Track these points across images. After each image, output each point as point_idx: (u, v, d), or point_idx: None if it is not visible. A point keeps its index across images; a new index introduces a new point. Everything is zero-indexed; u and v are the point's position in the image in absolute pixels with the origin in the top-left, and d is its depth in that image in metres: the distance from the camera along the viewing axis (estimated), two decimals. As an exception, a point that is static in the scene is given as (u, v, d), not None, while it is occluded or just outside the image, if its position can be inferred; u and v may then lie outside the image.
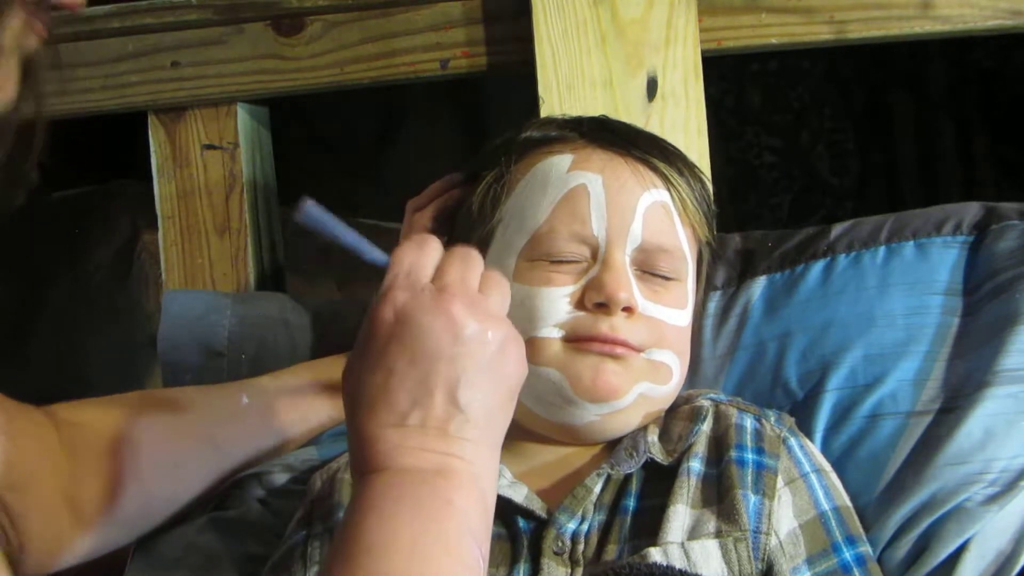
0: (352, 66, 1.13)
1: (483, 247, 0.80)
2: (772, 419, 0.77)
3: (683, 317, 0.79)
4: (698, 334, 0.90)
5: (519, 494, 0.72)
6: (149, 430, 0.78)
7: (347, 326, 0.90)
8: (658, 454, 0.75)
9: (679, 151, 0.85)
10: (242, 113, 1.16)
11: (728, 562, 0.69)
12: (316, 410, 0.86)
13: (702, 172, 0.86)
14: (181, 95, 1.14)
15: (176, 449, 0.80)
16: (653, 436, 0.76)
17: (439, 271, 0.59)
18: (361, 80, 1.14)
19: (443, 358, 0.55)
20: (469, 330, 0.56)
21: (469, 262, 0.61)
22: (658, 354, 0.77)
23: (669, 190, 0.79)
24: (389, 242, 1.08)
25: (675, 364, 0.78)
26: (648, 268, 0.78)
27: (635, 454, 0.74)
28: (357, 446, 0.56)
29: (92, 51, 1.15)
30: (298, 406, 0.85)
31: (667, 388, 0.78)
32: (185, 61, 1.14)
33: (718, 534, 0.69)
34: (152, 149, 1.15)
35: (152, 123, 1.16)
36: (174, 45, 1.14)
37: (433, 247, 0.61)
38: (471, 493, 0.55)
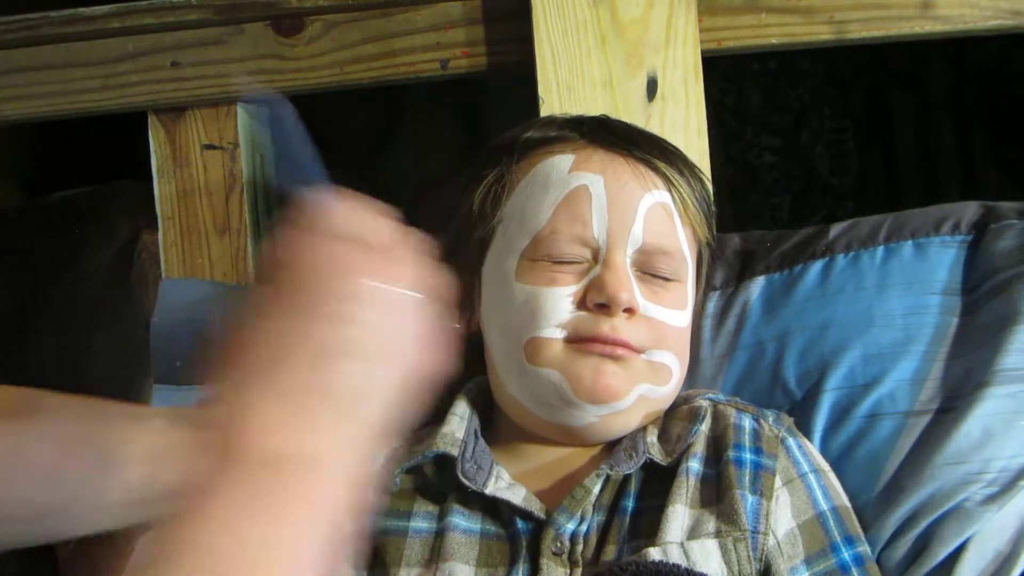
0: (352, 66, 1.13)
1: (483, 246, 0.81)
2: (770, 419, 0.78)
3: (683, 318, 0.79)
4: (697, 334, 0.90)
5: (517, 495, 0.72)
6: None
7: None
8: (657, 455, 0.75)
9: (679, 151, 0.85)
10: (242, 113, 1.16)
11: (728, 562, 0.69)
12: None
13: (702, 172, 0.86)
14: (181, 95, 1.14)
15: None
16: (652, 437, 0.76)
17: (362, 228, 0.50)
18: (361, 80, 1.14)
19: (353, 333, 0.47)
20: (380, 303, 0.48)
21: (397, 230, 0.52)
22: (658, 355, 0.77)
23: (670, 191, 0.79)
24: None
25: (675, 365, 0.78)
26: (648, 269, 0.78)
27: (634, 455, 0.74)
28: (225, 413, 0.46)
29: (92, 51, 1.15)
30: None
31: (666, 389, 0.78)
32: (185, 61, 1.14)
33: (718, 534, 0.70)
34: (152, 149, 1.15)
35: (152, 123, 1.16)
36: (174, 45, 1.14)
37: (367, 207, 0.52)
38: (333, 489, 0.46)
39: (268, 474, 0.44)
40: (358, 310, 0.47)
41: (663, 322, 0.77)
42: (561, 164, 0.79)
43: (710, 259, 0.87)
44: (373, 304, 0.48)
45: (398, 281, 0.49)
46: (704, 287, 0.90)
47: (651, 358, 0.76)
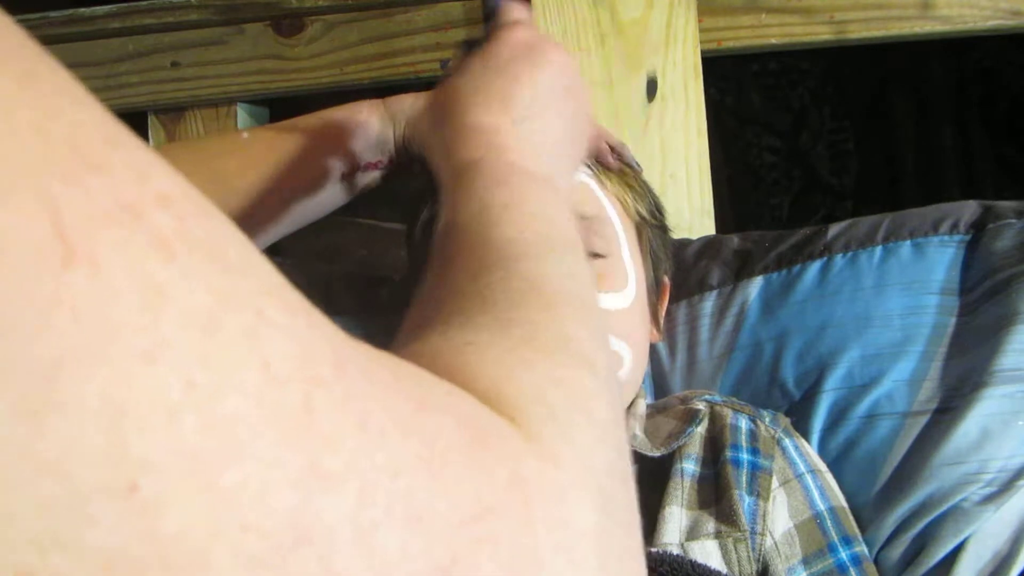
0: (352, 66, 1.13)
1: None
2: (767, 420, 0.78)
3: (621, 299, 0.77)
4: (695, 334, 0.90)
5: None
6: None
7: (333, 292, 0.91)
8: (643, 447, 0.74)
9: None
10: (242, 113, 1.16)
11: (728, 562, 0.69)
12: (321, 145, 0.81)
13: (630, 156, 0.86)
14: (181, 95, 1.15)
15: None
16: (635, 430, 0.76)
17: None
18: (361, 80, 1.14)
19: (559, 91, 0.58)
20: (578, 79, 0.60)
21: None
22: None
23: (588, 170, 0.80)
24: (389, 242, 1.09)
25: (622, 348, 0.76)
26: None
27: None
28: (469, 134, 0.55)
29: (92, 51, 1.15)
30: (302, 138, 0.80)
31: (619, 376, 0.76)
32: (185, 61, 1.14)
33: (717, 535, 0.70)
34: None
35: (152, 123, 1.16)
36: (174, 45, 1.14)
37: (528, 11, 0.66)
38: (568, 208, 0.54)
39: (528, 178, 0.51)
40: (580, 97, 0.60)
41: None
42: None
43: (662, 243, 0.85)
44: (585, 98, 0.61)
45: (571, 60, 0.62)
46: (701, 286, 0.90)
47: None
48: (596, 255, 0.77)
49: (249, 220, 0.76)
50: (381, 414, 0.27)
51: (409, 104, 0.82)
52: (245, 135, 0.80)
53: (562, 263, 0.44)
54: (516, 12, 0.64)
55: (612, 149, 0.81)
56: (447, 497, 0.27)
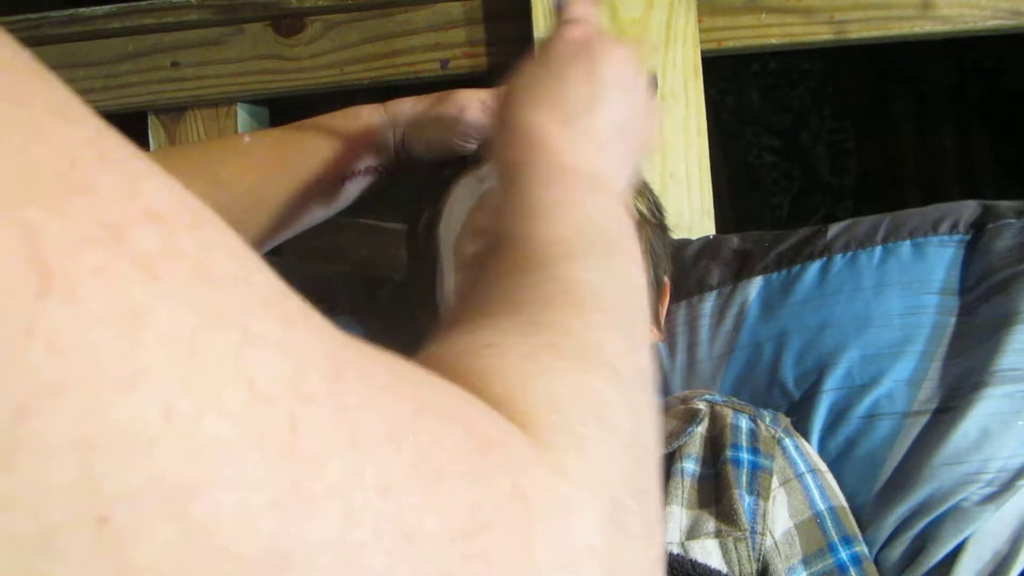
0: (352, 66, 1.13)
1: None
2: (767, 419, 0.78)
3: None
4: (694, 334, 0.90)
5: None
6: None
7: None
8: None
9: None
10: (242, 113, 1.16)
11: (728, 562, 0.69)
12: (322, 148, 0.82)
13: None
14: (181, 95, 1.15)
15: None
16: None
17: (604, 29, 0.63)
18: (361, 80, 1.14)
19: (615, 90, 0.57)
20: (638, 83, 0.60)
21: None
22: None
23: None
24: (389, 242, 1.09)
25: None
26: None
27: None
28: (519, 135, 0.54)
29: (92, 51, 1.15)
30: (302, 142, 0.81)
31: None
32: (185, 61, 1.14)
33: (718, 534, 0.70)
34: (152, 149, 1.15)
35: (152, 123, 1.16)
36: (174, 45, 1.14)
37: (598, 7, 0.65)
38: (624, 211, 0.53)
39: (576, 178, 0.51)
40: (635, 96, 0.59)
41: None
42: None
43: (662, 242, 0.85)
44: (641, 94, 0.60)
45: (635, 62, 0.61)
46: (700, 286, 0.90)
47: None
48: None
49: (250, 224, 0.77)
50: (376, 423, 0.26)
51: (409, 106, 0.82)
52: (246, 139, 0.80)
53: (604, 266, 0.44)
54: (580, 7, 0.63)
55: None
56: (439, 512, 0.27)
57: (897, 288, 0.86)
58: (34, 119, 0.23)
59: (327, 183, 0.79)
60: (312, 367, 0.26)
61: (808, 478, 0.75)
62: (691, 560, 0.66)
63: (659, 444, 0.39)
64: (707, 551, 0.69)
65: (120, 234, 0.23)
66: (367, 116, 0.81)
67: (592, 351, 0.37)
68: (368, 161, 0.81)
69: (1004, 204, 0.89)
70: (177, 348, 0.23)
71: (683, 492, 0.72)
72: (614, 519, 0.32)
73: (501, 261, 0.44)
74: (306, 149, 0.79)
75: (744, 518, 0.70)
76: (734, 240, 0.96)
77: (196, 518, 0.22)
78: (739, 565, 0.69)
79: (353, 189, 0.82)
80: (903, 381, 0.82)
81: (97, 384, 0.21)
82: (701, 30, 1.07)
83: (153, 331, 0.22)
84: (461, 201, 0.80)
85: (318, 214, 0.81)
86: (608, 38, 0.60)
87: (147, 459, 0.22)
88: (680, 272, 0.92)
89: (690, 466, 0.74)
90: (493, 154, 0.56)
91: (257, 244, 0.79)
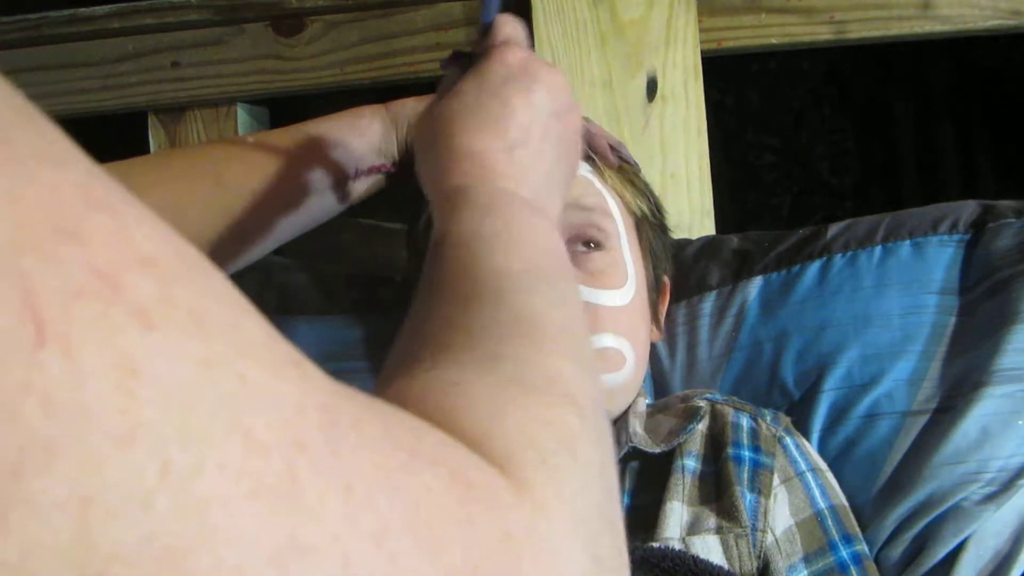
0: (352, 66, 1.13)
1: None
2: (768, 418, 0.78)
3: (620, 296, 0.77)
4: (694, 334, 0.90)
5: None
6: (153, 181, 0.75)
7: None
8: (643, 444, 0.74)
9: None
10: (242, 113, 1.16)
11: (729, 558, 0.69)
12: (325, 149, 0.81)
13: (630, 156, 0.86)
14: (181, 95, 1.15)
15: (178, 189, 0.75)
16: (636, 427, 0.76)
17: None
18: (361, 80, 1.14)
19: (551, 115, 0.57)
20: (570, 105, 0.59)
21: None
22: (598, 340, 0.75)
23: (588, 165, 0.80)
24: (388, 243, 1.08)
25: (624, 347, 0.76)
26: (572, 237, 0.76)
27: (617, 446, 0.73)
28: (460, 160, 0.54)
29: (92, 51, 1.15)
30: (305, 143, 0.80)
31: (623, 375, 0.76)
32: (185, 61, 1.14)
33: (718, 530, 0.70)
34: (152, 150, 1.15)
35: (152, 123, 1.16)
36: (174, 45, 1.14)
37: (524, 27, 0.65)
38: (559, 237, 0.53)
39: (519, 203, 0.51)
40: (570, 116, 0.59)
41: (596, 304, 0.75)
42: None
43: (662, 242, 0.85)
44: (575, 114, 0.60)
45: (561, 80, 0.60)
46: (700, 287, 0.90)
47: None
48: (596, 246, 0.77)
49: (253, 225, 0.77)
50: (370, 472, 0.26)
51: (411, 107, 0.82)
52: (249, 140, 0.80)
53: (551, 293, 0.44)
54: (510, 29, 0.63)
55: (611, 148, 0.81)
56: (433, 558, 0.27)
57: (897, 288, 0.86)
58: (24, 164, 0.22)
59: (330, 184, 0.80)
60: (307, 414, 0.25)
61: (809, 476, 0.75)
62: (692, 556, 0.66)
63: (616, 472, 0.39)
64: (708, 547, 0.69)
65: (115, 283, 0.22)
66: (369, 117, 0.81)
67: (554, 383, 0.37)
68: (371, 162, 0.81)
69: (1004, 204, 0.89)
70: (174, 400, 0.22)
71: (684, 488, 0.72)
72: (591, 553, 0.32)
73: (451, 290, 0.44)
74: (309, 151, 0.79)
75: (745, 515, 0.70)
76: (734, 240, 0.96)
77: None
78: (740, 561, 0.69)
79: (356, 190, 0.82)
80: (903, 381, 0.82)
81: (93, 441, 0.20)
82: (701, 30, 1.07)
83: (149, 383, 0.22)
84: None
85: (321, 215, 0.81)
86: (543, 63, 0.60)
87: (144, 517, 0.21)
88: (680, 272, 0.92)
89: (691, 463, 0.74)
90: (430, 176, 0.55)
91: (260, 246, 0.79)
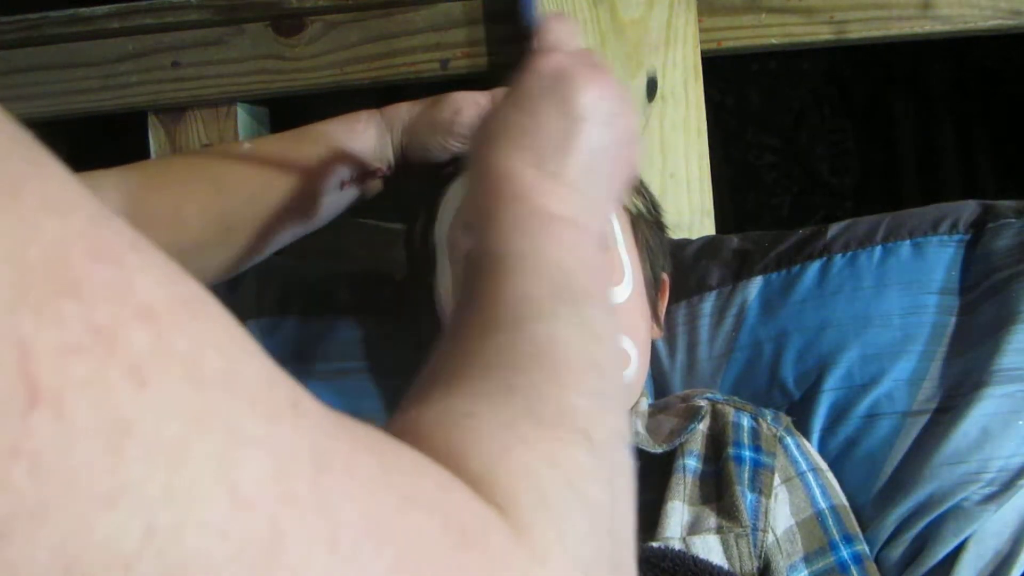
0: (352, 66, 1.13)
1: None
2: (768, 418, 0.78)
3: (619, 293, 0.77)
4: (694, 334, 0.90)
5: None
6: (153, 186, 0.75)
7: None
8: (645, 443, 0.74)
9: None
10: (242, 113, 1.16)
11: (729, 557, 0.69)
12: (322, 154, 0.81)
13: None
14: (181, 95, 1.14)
15: (177, 194, 0.76)
16: (638, 427, 0.76)
17: (584, 51, 0.60)
18: (361, 80, 1.14)
19: (589, 121, 0.54)
20: (616, 106, 0.56)
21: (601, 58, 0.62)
22: None
23: None
24: (389, 242, 1.08)
25: (627, 344, 0.76)
26: None
27: None
28: (488, 179, 0.53)
29: (92, 51, 1.15)
30: (302, 148, 0.81)
31: (628, 372, 0.76)
32: (185, 61, 1.14)
33: (719, 530, 0.70)
34: (152, 150, 1.15)
35: (152, 123, 1.16)
36: (174, 45, 1.14)
37: (576, 28, 0.62)
38: (597, 248, 0.52)
39: (552, 221, 0.49)
40: (616, 121, 0.55)
41: None
42: None
43: (659, 240, 0.85)
44: (622, 119, 0.56)
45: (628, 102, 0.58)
46: (700, 287, 0.90)
47: None
48: None
49: (252, 230, 0.77)
50: (358, 522, 0.26)
51: (406, 111, 0.82)
52: (247, 146, 0.81)
53: (574, 318, 0.43)
54: (556, 32, 0.60)
55: None
56: None
57: (897, 288, 0.86)
58: (28, 215, 0.22)
59: (327, 188, 0.80)
60: (296, 463, 0.25)
61: (809, 476, 0.75)
62: (693, 556, 0.66)
63: (633, 508, 0.38)
64: (708, 547, 0.69)
65: (111, 338, 0.22)
66: (365, 121, 0.81)
67: (567, 417, 0.37)
68: (367, 166, 0.81)
69: (1004, 204, 0.89)
70: (161, 458, 0.22)
71: (685, 488, 0.72)
72: None
73: (473, 316, 0.43)
74: (306, 155, 0.79)
75: (746, 515, 0.70)
76: (734, 240, 0.96)
77: None
78: (740, 561, 0.69)
79: (353, 194, 0.82)
80: (903, 381, 0.82)
81: (79, 503, 0.20)
82: (701, 30, 1.06)
83: (138, 442, 0.21)
84: (455, 201, 0.80)
85: (319, 219, 0.82)
86: (586, 64, 0.56)
87: None
88: (680, 272, 0.92)
89: (692, 463, 0.74)
90: (470, 201, 0.54)
91: (259, 250, 0.79)
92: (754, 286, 0.91)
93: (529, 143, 0.53)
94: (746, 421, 0.76)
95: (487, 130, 0.55)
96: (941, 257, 0.87)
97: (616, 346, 0.46)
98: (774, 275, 0.90)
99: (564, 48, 0.59)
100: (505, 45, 1.11)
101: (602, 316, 0.45)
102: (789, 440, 0.77)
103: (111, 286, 0.23)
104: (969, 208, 0.90)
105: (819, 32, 1.07)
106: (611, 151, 0.55)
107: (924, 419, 0.80)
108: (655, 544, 0.67)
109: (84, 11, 1.14)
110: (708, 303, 0.91)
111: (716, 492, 0.72)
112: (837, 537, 0.73)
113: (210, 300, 0.26)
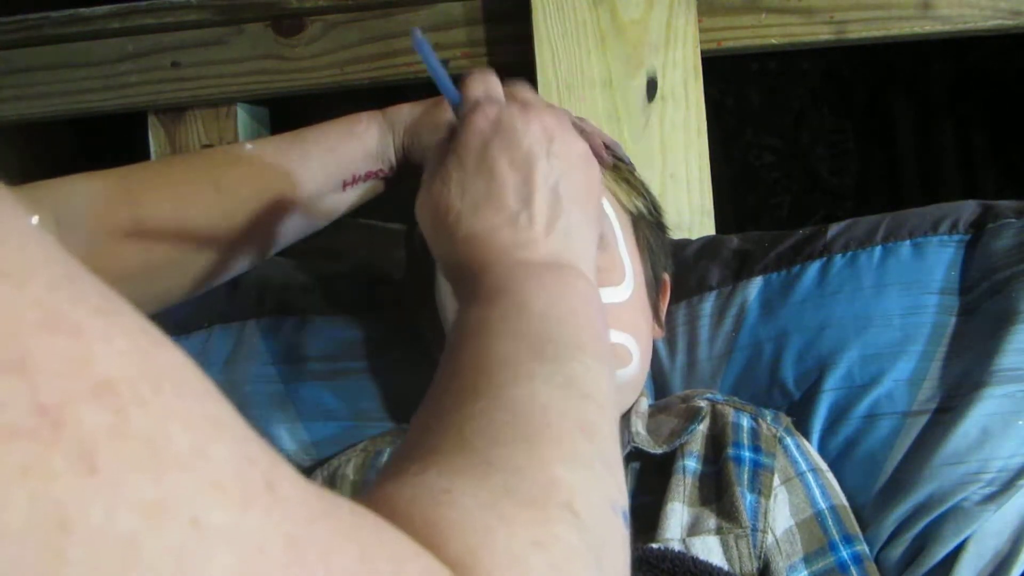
0: (352, 66, 1.13)
1: None
2: (768, 418, 0.78)
3: (619, 293, 0.77)
4: (694, 334, 0.90)
5: None
6: (153, 187, 0.75)
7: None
8: (645, 444, 0.74)
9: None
10: (242, 114, 1.16)
11: (729, 559, 0.69)
12: (323, 155, 0.81)
13: (623, 153, 0.85)
14: (181, 95, 1.15)
15: (178, 194, 0.75)
16: (638, 427, 0.76)
17: (510, 93, 0.61)
18: (361, 80, 1.14)
19: (542, 158, 0.54)
20: (560, 135, 0.56)
21: (531, 89, 0.64)
22: None
23: None
24: (389, 243, 1.08)
25: (629, 342, 0.76)
26: None
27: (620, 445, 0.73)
28: (465, 252, 0.52)
29: (92, 51, 1.15)
30: (303, 149, 0.81)
31: (629, 370, 0.76)
32: (185, 61, 1.14)
33: (719, 531, 0.70)
34: (152, 150, 1.15)
35: (152, 123, 1.16)
36: (174, 45, 1.14)
37: (496, 77, 0.62)
38: (587, 284, 0.52)
39: (538, 272, 0.50)
40: (564, 149, 0.56)
41: None
42: None
43: (659, 240, 0.85)
44: (570, 144, 0.57)
45: (569, 125, 0.58)
46: (700, 287, 0.90)
47: None
48: None
49: (253, 231, 0.77)
50: None
51: (407, 112, 0.82)
52: (248, 147, 0.80)
53: (557, 376, 0.42)
54: (477, 88, 0.60)
55: (606, 146, 0.81)
56: None
57: (897, 288, 0.86)
58: None
59: (328, 190, 0.80)
60: (268, 554, 0.23)
61: (809, 477, 0.75)
62: (692, 557, 0.66)
63: (626, 573, 0.37)
64: (708, 548, 0.69)
65: (58, 419, 0.20)
66: (366, 123, 0.81)
67: (550, 492, 0.35)
68: (367, 167, 0.81)
69: (1004, 204, 0.89)
70: (108, 559, 0.20)
71: (685, 489, 0.72)
72: None
73: (453, 381, 0.42)
74: (306, 157, 0.79)
75: (745, 515, 0.70)
76: (734, 240, 0.96)
77: None
78: (740, 562, 0.69)
79: (353, 195, 0.82)
80: (903, 381, 0.82)
81: None
82: (701, 30, 1.07)
83: (82, 540, 0.19)
84: None
85: (319, 221, 0.82)
86: (517, 106, 0.57)
87: None
88: (680, 272, 0.92)
89: (692, 463, 0.74)
90: (445, 268, 0.54)
91: (260, 251, 0.80)
92: (754, 286, 0.90)
93: (495, 202, 0.53)
94: (746, 422, 0.76)
95: (446, 199, 0.55)
96: (941, 257, 0.87)
97: (609, 399, 0.44)
98: (774, 275, 0.90)
99: (491, 98, 0.59)
100: (505, 45, 1.11)
101: (593, 368, 0.44)
102: (789, 440, 0.77)
103: (64, 359, 0.21)
104: (969, 208, 0.90)
105: (819, 32, 1.08)
106: (571, 177, 0.56)
107: (924, 419, 0.80)
108: (655, 545, 0.67)
109: (84, 11, 1.14)
110: (708, 303, 0.91)
111: (716, 493, 0.72)
112: (837, 537, 0.73)
113: (185, 367, 0.24)
